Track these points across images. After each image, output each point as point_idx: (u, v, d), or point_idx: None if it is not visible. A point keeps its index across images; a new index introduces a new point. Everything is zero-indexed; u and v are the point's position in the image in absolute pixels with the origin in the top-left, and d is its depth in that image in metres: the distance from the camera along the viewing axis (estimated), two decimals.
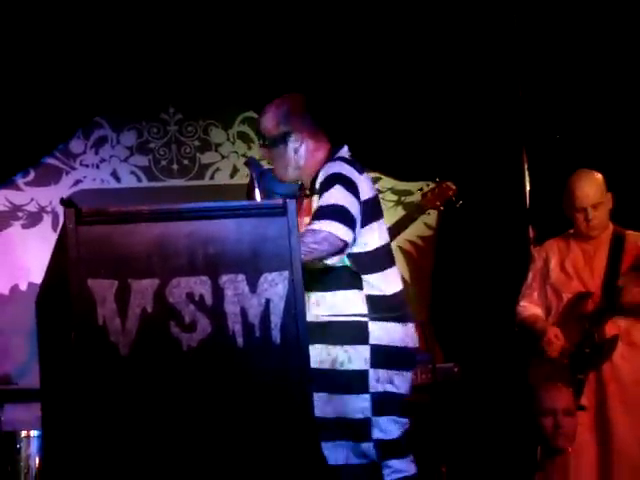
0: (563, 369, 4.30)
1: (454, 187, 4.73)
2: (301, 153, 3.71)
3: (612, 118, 5.62)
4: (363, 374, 3.59)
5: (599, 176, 4.52)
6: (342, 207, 3.48)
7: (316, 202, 3.57)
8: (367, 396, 3.58)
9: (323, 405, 3.45)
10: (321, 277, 3.56)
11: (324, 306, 3.58)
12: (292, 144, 3.72)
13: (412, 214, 4.77)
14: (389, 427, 3.57)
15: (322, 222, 3.44)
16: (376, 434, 3.56)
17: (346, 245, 3.45)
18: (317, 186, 3.61)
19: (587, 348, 4.31)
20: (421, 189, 4.83)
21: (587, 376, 4.29)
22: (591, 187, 4.45)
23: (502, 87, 5.79)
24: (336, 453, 3.52)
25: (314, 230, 3.43)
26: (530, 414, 3.90)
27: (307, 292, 3.28)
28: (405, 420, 3.60)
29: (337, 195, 3.51)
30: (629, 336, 4.39)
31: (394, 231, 4.40)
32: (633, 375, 4.37)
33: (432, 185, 4.80)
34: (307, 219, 3.56)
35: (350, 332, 3.56)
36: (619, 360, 4.36)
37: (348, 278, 3.58)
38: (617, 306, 4.34)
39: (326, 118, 3.81)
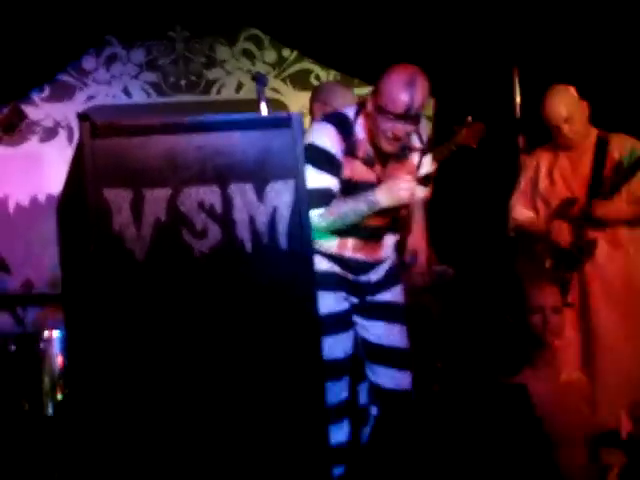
0: (549, 269, 4.33)
1: (484, 127, 4.75)
2: None
3: (603, 30, 5.54)
4: None
5: (570, 90, 4.45)
6: None
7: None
8: None
9: None
10: None
11: None
12: (423, 120, 3.59)
13: (449, 147, 4.74)
14: None
15: None
16: None
17: None
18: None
19: (572, 249, 4.34)
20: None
21: (572, 275, 4.32)
22: (560, 103, 4.40)
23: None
24: None
25: None
26: (520, 311, 3.93)
27: None
28: None
29: None
30: (614, 235, 4.41)
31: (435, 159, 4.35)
32: (617, 273, 4.40)
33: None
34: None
35: None
36: (603, 260, 4.38)
37: None
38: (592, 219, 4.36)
39: None
